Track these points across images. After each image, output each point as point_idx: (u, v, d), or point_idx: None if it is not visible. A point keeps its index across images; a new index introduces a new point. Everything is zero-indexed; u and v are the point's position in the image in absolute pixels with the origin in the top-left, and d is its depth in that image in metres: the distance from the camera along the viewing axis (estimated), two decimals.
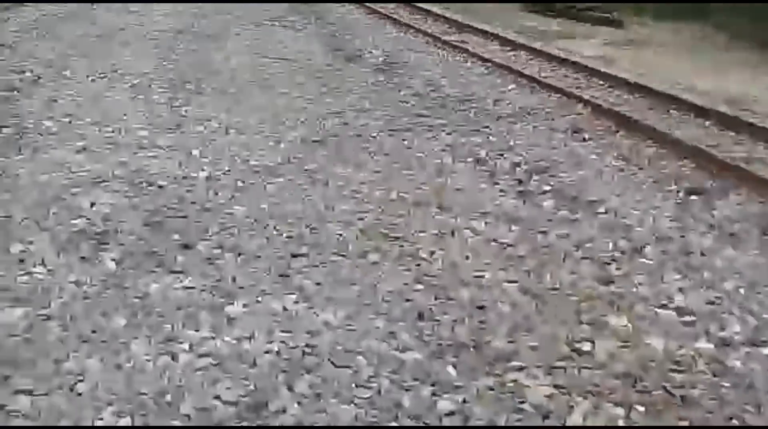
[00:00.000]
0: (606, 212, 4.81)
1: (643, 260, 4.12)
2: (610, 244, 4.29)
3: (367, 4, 14.48)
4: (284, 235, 4.21)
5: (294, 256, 3.93)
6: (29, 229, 4.12)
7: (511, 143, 6.22)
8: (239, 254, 3.91)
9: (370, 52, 9.95)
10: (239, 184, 5.03)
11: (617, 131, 6.56)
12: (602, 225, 4.60)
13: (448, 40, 10.95)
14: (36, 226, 4.16)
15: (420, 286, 3.65)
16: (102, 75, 7.91)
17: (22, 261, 3.71)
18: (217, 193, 4.82)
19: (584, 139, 6.36)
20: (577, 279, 3.85)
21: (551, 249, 4.22)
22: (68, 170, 5.03)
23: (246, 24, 11.87)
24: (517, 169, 5.60)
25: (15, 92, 6.88)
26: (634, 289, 3.75)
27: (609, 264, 4.05)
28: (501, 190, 5.20)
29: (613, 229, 4.52)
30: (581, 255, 4.15)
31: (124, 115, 6.51)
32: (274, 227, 4.30)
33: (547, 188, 5.27)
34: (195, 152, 5.62)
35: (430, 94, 7.74)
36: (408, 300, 3.51)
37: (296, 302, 3.42)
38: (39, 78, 7.49)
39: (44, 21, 10.60)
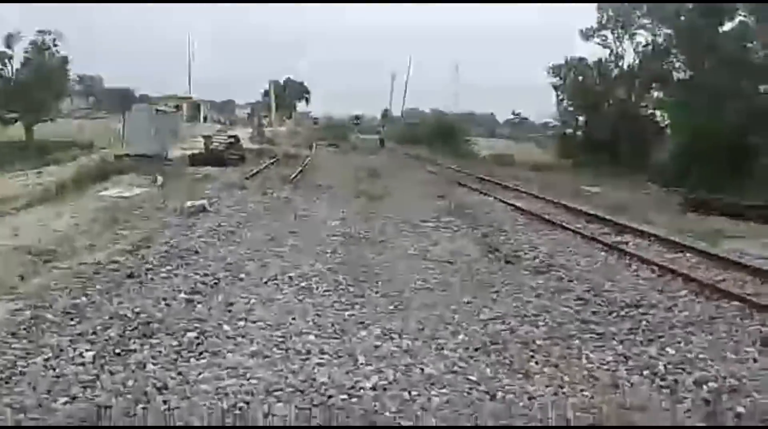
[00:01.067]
0: None
1: None
2: None
3: (517, 204, 14.89)
4: None
5: None
6: None
7: (691, 356, 5.76)
8: None
9: (527, 254, 9.96)
10: (405, 395, 4.94)
11: None
12: None
13: (606, 241, 10.79)
14: None
15: None
16: (273, 277, 8.42)
17: None
18: (384, 405, 4.75)
19: None
20: None
21: None
22: (243, 377, 5.20)
23: (403, 226, 12.44)
24: (703, 386, 5.11)
25: (198, 295, 7.44)
26: None
27: None
28: (686, 411, 4.73)
29: None
30: None
31: (293, 318, 6.78)
32: None
33: (741, 410, 4.73)
34: (360, 359, 5.66)
35: (594, 299, 7.50)
36: None
37: None
38: (218, 282, 8.09)
39: (224, 227, 11.69)
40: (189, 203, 13.05)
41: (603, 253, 10.07)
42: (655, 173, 30.48)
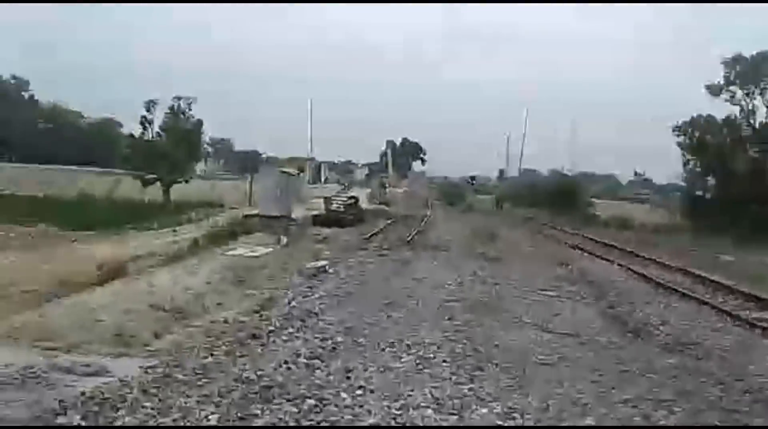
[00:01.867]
0: None
1: None
2: None
3: (644, 272, 14.22)
4: None
5: None
6: None
7: None
8: None
9: (657, 328, 9.38)
10: None
11: None
12: None
13: (745, 317, 10.00)
14: None
15: None
16: (390, 344, 8.36)
17: None
18: None
19: None
20: None
21: None
22: None
23: (521, 293, 12.12)
24: None
25: (317, 360, 7.50)
26: None
27: None
28: None
29: None
30: None
31: (411, 390, 6.66)
32: None
33: None
34: None
35: (737, 384, 6.89)
36: None
37: None
38: (337, 346, 8.14)
39: (343, 288, 11.85)
40: (311, 264, 13.37)
41: (742, 331, 9.32)
42: None
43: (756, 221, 33.92)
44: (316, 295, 11.30)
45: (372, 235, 20.30)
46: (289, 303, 10.34)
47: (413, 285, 12.49)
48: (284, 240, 17.83)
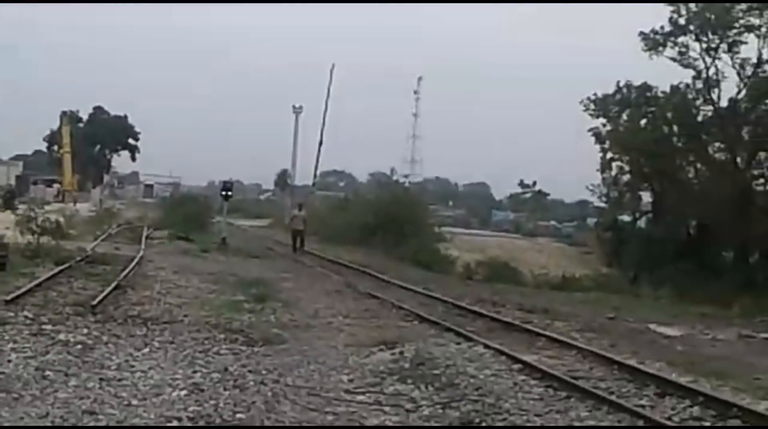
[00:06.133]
0: None
1: None
2: None
3: (527, 359, 8.58)
4: None
5: None
6: None
7: None
8: None
9: None
10: None
11: None
12: None
13: None
14: None
15: None
16: None
17: None
18: None
19: None
20: None
21: None
22: None
23: (314, 402, 6.65)
24: None
25: None
26: None
27: None
28: None
29: None
30: None
31: None
32: None
33: None
34: None
35: None
36: None
37: None
38: None
39: None
40: None
41: None
42: None
43: (717, 266, 21.68)
44: None
45: (22, 295, 10.63)
46: None
47: (101, 397, 6.25)
48: None
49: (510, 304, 14.53)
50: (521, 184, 63.80)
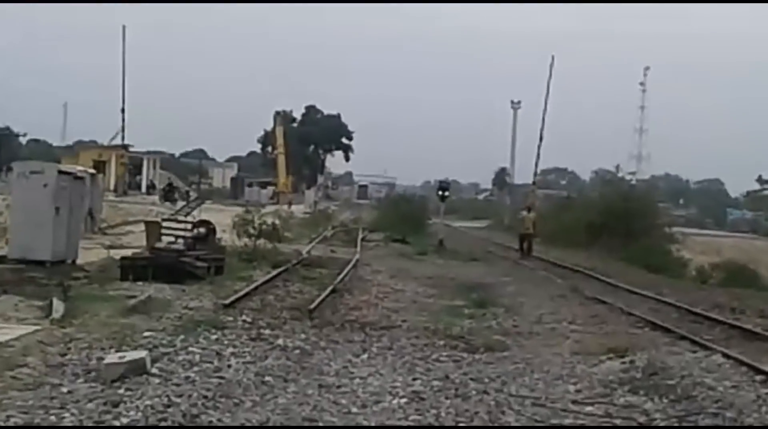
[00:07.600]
0: None
1: None
2: None
3: None
4: None
5: None
6: None
7: None
8: None
9: None
10: None
11: None
12: None
13: None
14: None
15: None
16: None
17: None
18: None
19: None
20: None
21: None
22: None
23: (540, 415, 6.32)
24: None
25: None
26: None
27: None
28: None
29: None
30: None
31: None
32: None
33: None
34: None
35: None
36: None
37: None
38: None
39: (179, 408, 5.67)
40: (112, 357, 6.84)
41: None
42: None
43: None
44: (124, 421, 5.44)
45: (240, 299, 10.88)
46: None
47: (319, 403, 6.30)
48: (60, 309, 9.64)
49: (750, 310, 13.33)
50: (759, 179, 58.38)
